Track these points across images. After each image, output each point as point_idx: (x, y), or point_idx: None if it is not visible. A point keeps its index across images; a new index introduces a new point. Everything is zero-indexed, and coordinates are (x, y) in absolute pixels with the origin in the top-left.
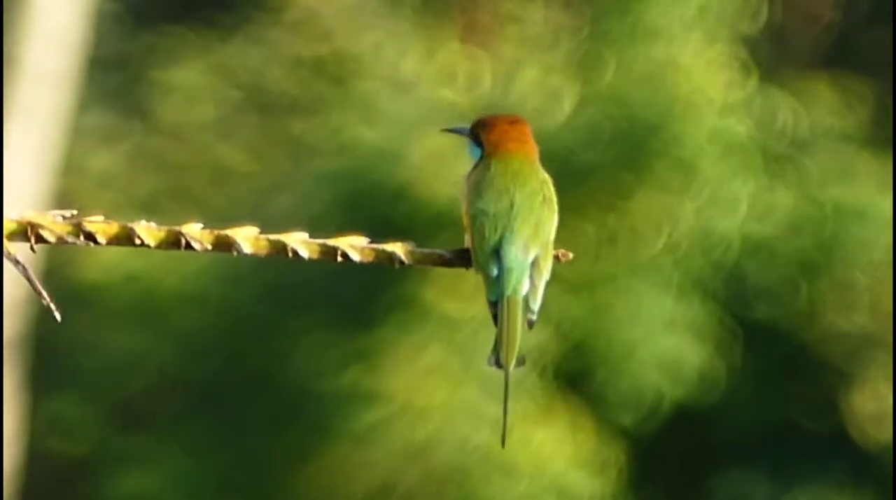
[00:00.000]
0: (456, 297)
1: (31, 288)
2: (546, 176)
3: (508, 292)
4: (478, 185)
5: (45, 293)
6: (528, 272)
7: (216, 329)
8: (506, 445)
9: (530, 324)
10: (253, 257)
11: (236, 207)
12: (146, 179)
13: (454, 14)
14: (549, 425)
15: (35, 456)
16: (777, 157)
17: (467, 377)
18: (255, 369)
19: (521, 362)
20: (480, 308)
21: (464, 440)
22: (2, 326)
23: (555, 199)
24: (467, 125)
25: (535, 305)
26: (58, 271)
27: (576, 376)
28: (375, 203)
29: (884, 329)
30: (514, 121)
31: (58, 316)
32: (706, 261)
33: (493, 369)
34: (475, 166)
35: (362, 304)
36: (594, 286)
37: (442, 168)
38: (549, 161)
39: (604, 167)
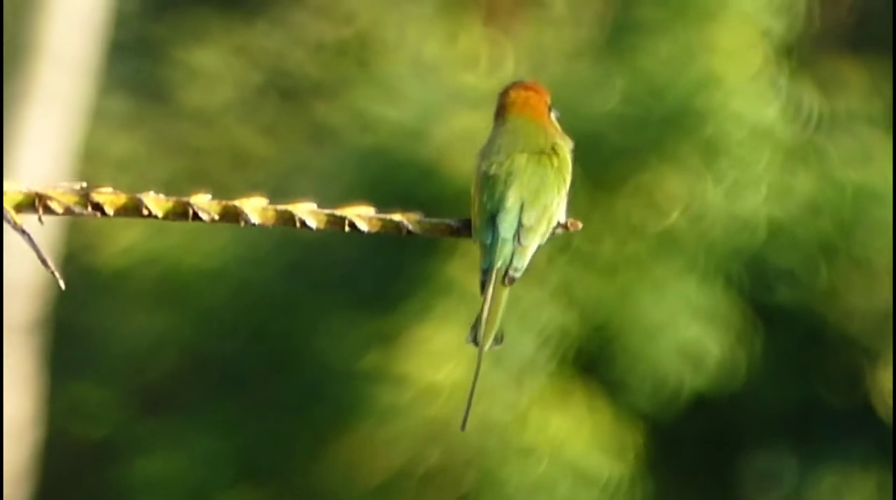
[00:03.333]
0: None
1: (48, 272)
2: (562, 140)
3: (498, 263)
4: (483, 149)
5: (50, 262)
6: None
7: (237, 308)
8: (465, 427)
9: (510, 281)
10: (273, 236)
11: (257, 190)
12: (166, 162)
13: None
14: (567, 408)
15: (55, 440)
16: (799, 139)
17: (486, 357)
18: (276, 350)
19: (498, 340)
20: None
21: (483, 419)
22: (1, 305)
23: (568, 163)
24: None
25: (520, 263)
26: (78, 255)
27: (596, 360)
28: (398, 183)
29: None
30: (524, 85)
31: (62, 284)
32: (730, 244)
33: (471, 344)
34: (491, 132)
35: (384, 283)
36: (617, 268)
37: (467, 147)
38: (576, 144)
39: (630, 149)
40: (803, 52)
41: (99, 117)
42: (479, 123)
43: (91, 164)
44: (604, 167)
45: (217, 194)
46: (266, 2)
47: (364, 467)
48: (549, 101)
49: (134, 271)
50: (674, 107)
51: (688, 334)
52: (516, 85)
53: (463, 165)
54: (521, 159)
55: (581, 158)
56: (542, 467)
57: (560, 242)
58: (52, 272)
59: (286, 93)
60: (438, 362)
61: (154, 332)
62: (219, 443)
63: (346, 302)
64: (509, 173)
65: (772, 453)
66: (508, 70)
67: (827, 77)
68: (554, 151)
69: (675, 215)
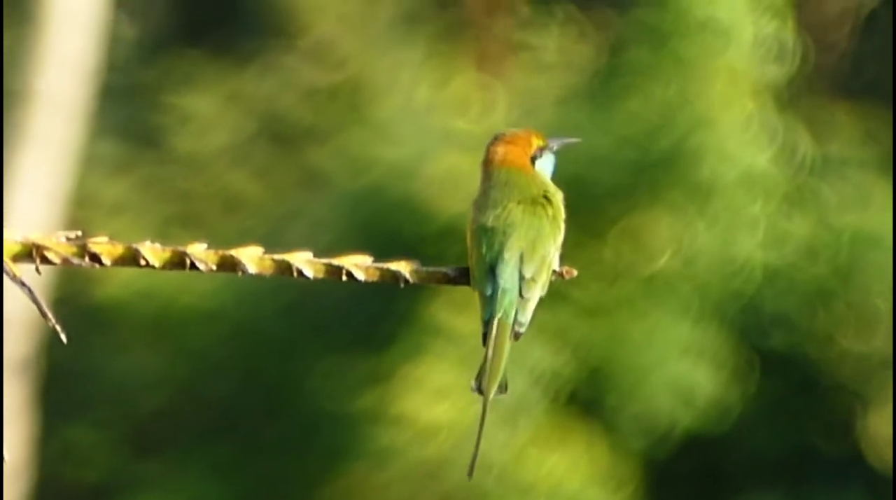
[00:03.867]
0: (469, 315)
1: (47, 322)
2: (551, 187)
3: (499, 313)
4: (478, 200)
5: (50, 315)
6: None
7: (232, 349)
8: (472, 476)
9: (517, 336)
10: (267, 277)
11: (248, 235)
12: (158, 207)
13: (468, 42)
14: (564, 447)
15: (49, 484)
16: (795, 184)
17: (481, 398)
18: (271, 391)
19: (502, 389)
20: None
21: (480, 459)
22: (1, 346)
23: (561, 211)
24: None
25: (524, 317)
26: (72, 295)
27: (591, 400)
28: (390, 225)
29: None
30: (506, 139)
31: (64, 338)
32: (724, 287)
33: (475, 394)
34: (482, 184)
35: (377, 325)
36: (611, 311)
37: (458, 187)
38: (566, 185)
39: (622, 192)
40: (797, 97)
41: (92, 162)
42: (469, 166)
43: (84, 208)
44: (596, 210)
45: (210, 239)
46: (258, 47)
47: None
48: (535, 146)
49: (128, 309)
50: (666, 150)
51: (680, 372)
52: (498, 139)
53: (454, 205)
54: (517, 210)
55: (572, 199)
56: None
57: (552, 284)
58: (53, 325)
59: (278, 138)
60: (433, 402)
61: (148, 372)
62: (213, 485)
63: (340, 344)
64: (506, 224)
65: (765, 496)
66: (500, 114)
67: (821, 121)
68: (547, 199)
69: (666, 258)
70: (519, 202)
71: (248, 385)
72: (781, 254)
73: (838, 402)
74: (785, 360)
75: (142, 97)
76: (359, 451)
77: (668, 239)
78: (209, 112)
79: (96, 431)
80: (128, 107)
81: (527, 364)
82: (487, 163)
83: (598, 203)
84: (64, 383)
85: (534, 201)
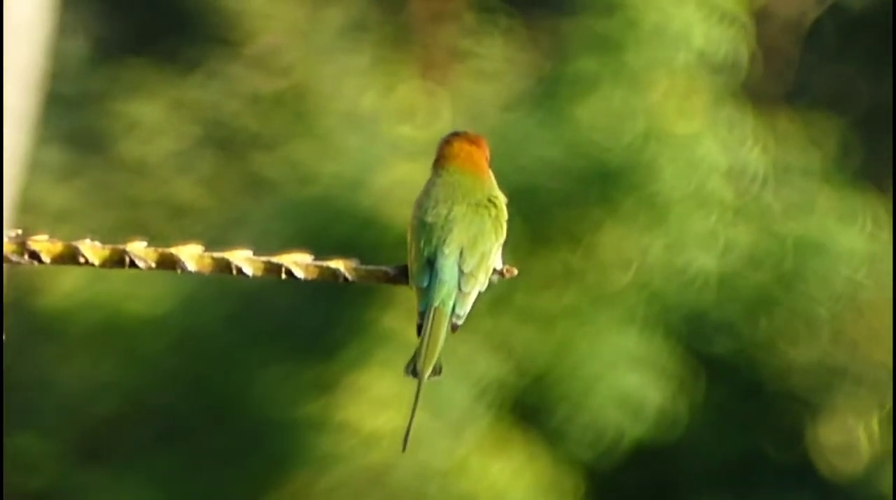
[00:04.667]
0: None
1: None
2: (498, 193)
3: (436, 303)
4: (420, 197)
5: None
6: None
7: (177, 357)
8: (406, 449)
9: (454, 327)
10: (213, 284)
11: (194, 242)
12: (104, 214)
13: (414, 50)
14: (507, 455)
15: None
16: (740, 192)
17: (426, 406)
18: (216, 398)
19: (436, 371)
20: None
21: (422, 466)
22: None
23: (504, 213)
24: None
25: (462, 310)
26: (15, 304)
27: (535, 410)
28: (337, 234)
29: (848, 360)
30: (468, 138)
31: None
32: (670, 296)
33: (409, 377)
34: (428, 181)
35: (322, 332)
36: (557, 320)
37: (405, 197)
38: (516, 194)
39: (571, 201)
40: (745, 105)
41: (37, 169)
42: (416, 173)
43: (29, 215)
44: (543, 219)
45: (157, 247)
46: (203, 55)
47: None
48: (488, 155)
49: (73, 317)
50: (616, 160)
51: (627, 383)
52: (459, 136)
53: (401, 214)
54: (460, 209)
55: (520, 209)
56: None
57: (499, 292)
58: None
59: (224, 145)
60: (378, 410)
61: (93, 380)
62: (159, 493)
63: (286, 351)
64: (447, 221)
65: None
66: (445, 121)
67: (767, 129)
68: (492, 202)
69: (615, 268)
70: (463, 203)
71: (194, 393)
72: (726, 262)
73: (785, 409)
74: (730, 367)
75: (87, 104)
76: (303, 458)
77: (617, 249)
78: (154, 119)
79: (42, 439)
80: (73, 114)
81: (472, 373)
82: (442, 158)
83: (547, 212)
84: (8, 391)
85: (478, 203)
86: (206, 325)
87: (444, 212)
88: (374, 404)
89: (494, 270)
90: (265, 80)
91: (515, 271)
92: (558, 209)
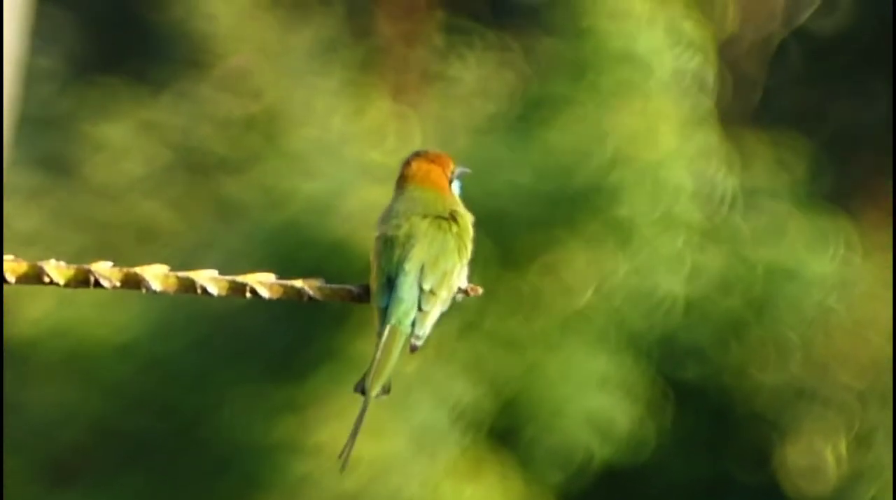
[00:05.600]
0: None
1: None
2: (461, 208)
3: (393, 321)
4: (382, 216)
5: None
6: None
7: (146, 382)
8: (344, 469)
9: (413, 348)
10: (182, 309)
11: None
12: (72, 237)
13: (384, 72)
14: (479, 480)
15: None
16: (709, 215)
17: (398, 431)
18: (186, 422)
19: (385, 390)
20: (413, 361)
21: (394, 493)
22: None
23: (469, 231)
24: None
25: (422, 330)
26: None
27: (507, 433)
28: (307, 259)
29: (818, 383)
30: (427, 157)
31: None
32: (639, 320)
33: (357, 393)
34: (392, 200)
35: (293, 355)
36: (526, 344)
37: (375, 221)
38: (486, 219)
39: (540, 224)
40: (714, 129)
41: (5, 191)
42: (386, 197)
43: None
44: (513, 242)
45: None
46: (172, 76)
47: None
48: (451, 171)
49: (42, 343)
50: (584, 183)
51: (596, 405)
52: (419, 156)
53: (371, 240)
54: (421, 224)
55: (490, 232)
56: None
57: (469, 316)
58: None
59: (193, 168)
60: (347, 434)
61: (62, 405)
62: None
63: (256, 374)
64: (408, 237)
65: None
66: (416, 144)
67: (736, 153)
68: (453, 217)
69: (584, 292)
70: (424, 216)
71: (163, 417)
72: (695, 287)
73: (754, 432)
74: (700, 391)
75: (56, 127)
76: (274, 481)
77: (585, 273)
78: (123, 141)
79: (10, 462)
80: (42, 136)
81: (446, 397)
82: (403, 178)
83: (516, 236)
84: None
85: (439, 217)
86: (174, 349)
87: (406, 227)
88: (345, 429)
89: (459, 288)
90: (235, 102)
91: (480, 290)
92: (527, 233)
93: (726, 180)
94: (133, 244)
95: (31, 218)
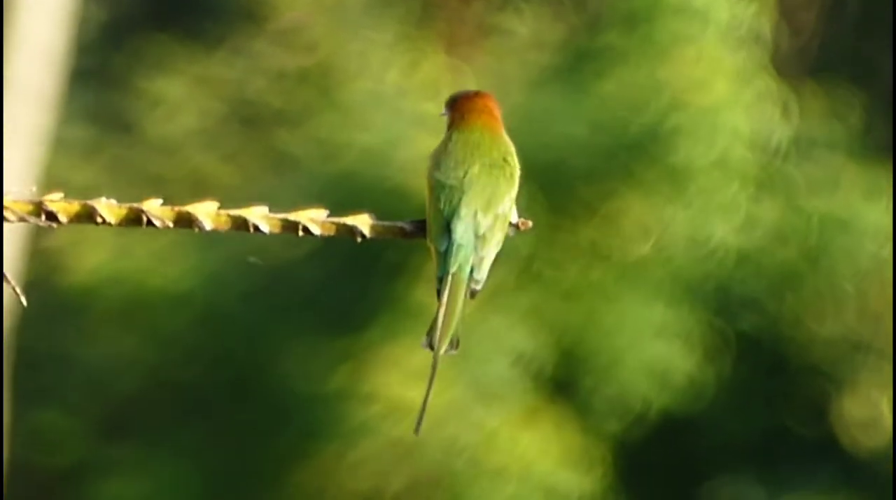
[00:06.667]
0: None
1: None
2: (510, 148)
3: (453, 268)
4: (438, 156)
5: (12, 281)
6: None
7: (202, 333)
8: (419, 432)
9: (473, 294)
10: (238, 260)
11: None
12: (128, 191)
13: (439, 26)
14: (536, 428)
15: (19, 468)
16: (764, 166)
17: (456, 379)
18: (242, 373)
19: (453, 345)
20: (471, 310)
21: (451, 441)
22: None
23: (517, 169)
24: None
25: (480, 274)
26: (40, 281)
27: (564, 382)
28: (362, 208)
29: (873, 335)
30: (479, 94)
31: (23, 300)
32: (694, 269)
33: (426, 350)
34: (444, 138)
35: (351, 305)
36: (583, 294)
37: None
38: (540, 171)
39: (596, 176)
40: (769, 80)
41: (60, 147)
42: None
43: (52, 193)
44: (569, 193)
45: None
46: (227, 31)
47: (332, 489)
48: (495, 107)
49: (97, 294)
50: (639, 133)
51: (653, 354)
52: (478, 95)
53: (425, 177)
54: (476, 170)
55: (546, 184)
56: (512, 486)
57: (526, 265)
58: (14, 289)
59: (248, 121)
60: (407, 382)
61: (118, 357)
62: (184, 469)
63: (312, 325)
64: (463, 183)
65: (738, 478)
66: None
67: (791, 104)
68: (506, 161)
69: (641, 242)
70: (481, 164)
71: (219, 368)
72: (751, 237)
73: (810, 385)
74: (755, 343)
75: (111, 81)
76: (331, 431)
77: (641, 223)
78: (179, 96)
79: (66, 416)
80: (97, 91)
81: (503, 345)
82: (461, 113)
83: (572, 187)
84: (33, 368)
85: (493, 164)
86: (230, 301)
87: (463, 174)
88: (403, 377)
89: (510, 223)
90: (290, 56)
91: (530, 224)
92: (582, 184)
93: (781, 128)
94: (188, 198)
95: (87, 172)
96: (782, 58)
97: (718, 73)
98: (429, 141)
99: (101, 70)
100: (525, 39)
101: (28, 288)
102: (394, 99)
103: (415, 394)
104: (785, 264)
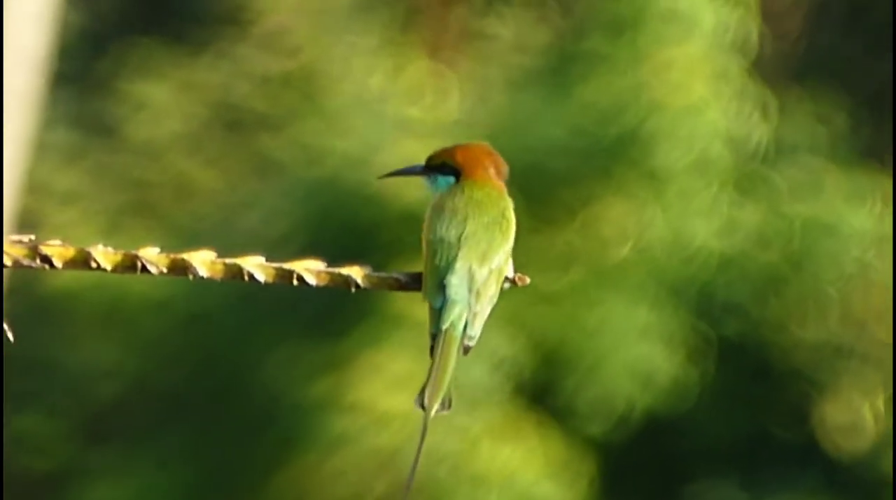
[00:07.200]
0: (427, 306)
1: None
2: (510, 203)
3: (446, 325)
4: (439, 210)
5: None
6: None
7: (185, 338)
8: (408, 492)
9: (466, 350)
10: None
11: (201, 223)
12: (111, 196)
13: (422, 30)
14: (518, 436)
15: (1, 472)
16: (746, 170)
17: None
18: (224, 379)
19: (445, 405)
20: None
21: (433, 449)
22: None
23: (513, 223)
24: (419, 164)
25: (473, 331)
26: (22, 285)
27: (546, 387)
28: (345, 213)
29: (855, 340)
30: (488, 151)
31: (10, 337)
32: (676, 272)
33: (418, 409)
34: (444, 193)
35: (333, 312)
36: (565, 297)
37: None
38: (521, 174)
39: (576, 179)
40: (751, 84)
41: (43, 151)
42: (422, 153)
43: (35, 197)
44: (549, 196)
45: (163, 228)
46: (211, 35)
47: (313, 495)
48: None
49: (80, 299)
50: (619, 136)
51: (636, 354)
52: (482, 150)
53: (407, 193)
54: (473, 227)
55: (526, 187)
56: (493, 496)
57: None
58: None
59: (232, 126)
60: (390, 391)
61: (100, 362)
62: (166, 473)
63: (295, 331)
64: (460, 240)
65: (720, 481)
66: (453, 102)
67: (773, 108)
68: (504, 216)
69: (621, 245)
70: (479, 222)
71: (201, 374)
72: (733, 241)
73: (792, 389)
74: (738, 347)
75: (94, 85)
76: (312, 438)
77: (621, 225)
78: (162, 100)
79: (49, 420)
80: (80, 95)
81: (481, 351)
82: (467, 169)
83: (552, 190)
84: (16, 373)
85: (491, 221)
86: (213, 306)
87: (460, 231)
88: (385, 385)
89: (506, 278)
90: (273, 60)
91: (528, 280)
92: (563, 187)
93: (763, 132)
94: (171, 203)
95: (70, 177)
96: (767, 62)
97: (700, 76)
98: (411, 144)
99: (85, 74)
100: (508, 44)
101: (9, 294)
102: (377, 103)
103: (396, 402)
104: (768, 268)
